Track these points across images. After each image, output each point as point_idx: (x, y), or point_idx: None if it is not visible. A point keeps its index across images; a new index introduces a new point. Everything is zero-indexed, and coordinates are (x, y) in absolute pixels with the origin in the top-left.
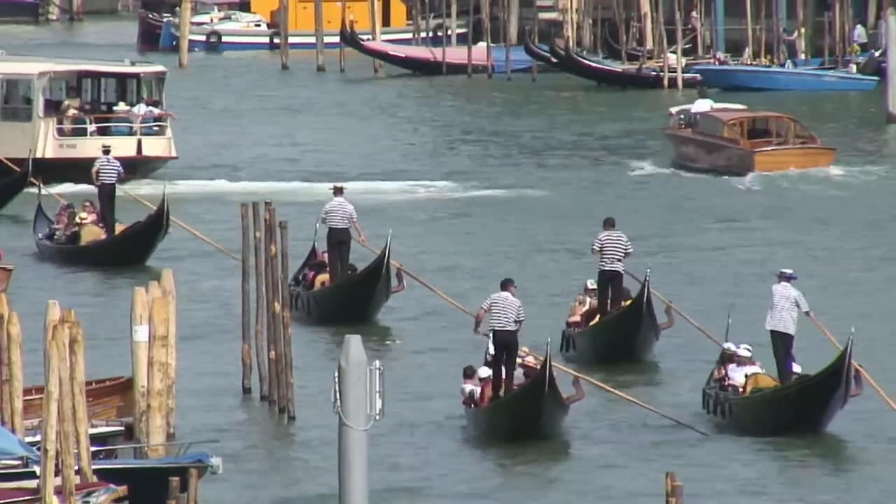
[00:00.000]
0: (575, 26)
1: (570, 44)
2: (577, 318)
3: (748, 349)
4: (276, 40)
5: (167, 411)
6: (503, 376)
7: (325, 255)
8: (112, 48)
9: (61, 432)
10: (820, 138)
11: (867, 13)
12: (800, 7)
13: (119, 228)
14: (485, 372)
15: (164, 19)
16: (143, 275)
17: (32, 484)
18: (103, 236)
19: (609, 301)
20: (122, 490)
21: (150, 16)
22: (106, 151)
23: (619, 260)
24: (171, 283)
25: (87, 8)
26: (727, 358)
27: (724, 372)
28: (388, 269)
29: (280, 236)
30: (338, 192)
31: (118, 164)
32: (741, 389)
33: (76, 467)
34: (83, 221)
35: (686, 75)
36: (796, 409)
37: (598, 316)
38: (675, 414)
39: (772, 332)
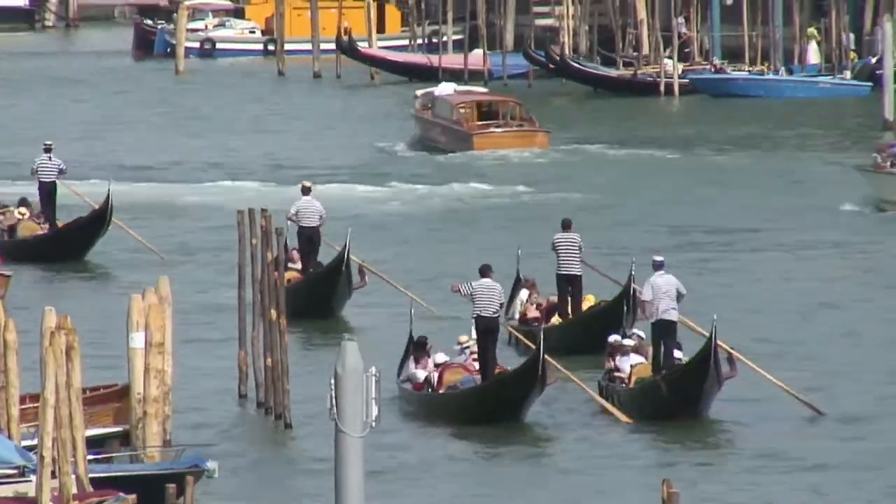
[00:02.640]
0: (571, 33)
1: (567, 50)
2: (536, 314)
3: (639, 336)
4: (270, 47)
5: (164, 418)
6: (486, 360)
7: (293, 252)
8: (107, 55)
9: (58, 439)
10: (539, 122)
11: (863, 20)
12: (796, 14)
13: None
14: (441, 358)
15: (159, 26)
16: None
17: (30, 492)
18: (40, 232)
19: (570, 303)
20: (131, 499)
21: (145, 22)
22: (47, 150)
23: (575, 262)
24: (167, 289)
25: (83, 15)
26: (615, 349)
27: (613, 363)
28: (349, 265)
29: (276, 243)
30: (306, 191)
31: (59, 161)
32: (627, 380)
33: (73, 474)
34: (22, 218)
35: (682, 81)
36: (673, 398)
37: (557, 317)
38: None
39: (655, 323)
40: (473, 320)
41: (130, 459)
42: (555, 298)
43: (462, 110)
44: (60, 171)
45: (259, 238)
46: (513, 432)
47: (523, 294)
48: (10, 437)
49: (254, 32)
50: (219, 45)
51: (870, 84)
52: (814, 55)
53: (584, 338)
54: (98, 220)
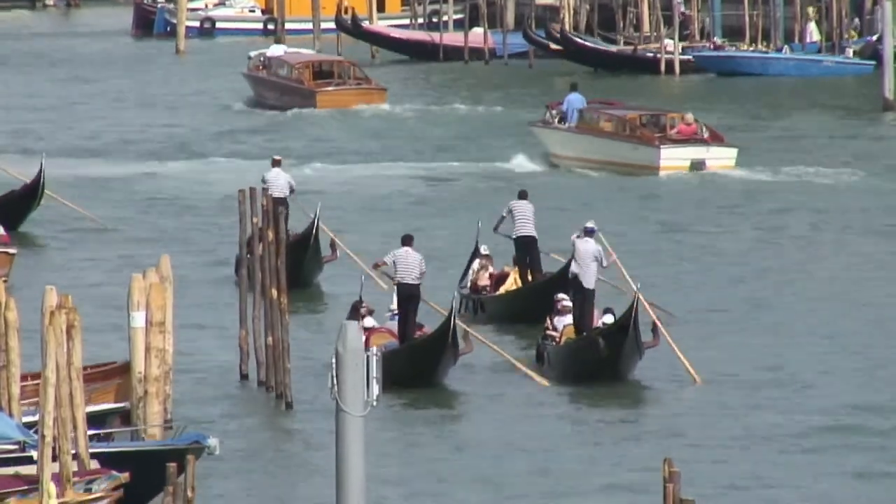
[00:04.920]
0: (571, 11)
1: (567, 27)
2: (486, 283)
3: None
4: (270, 26)
5: (164, 397)
6: (407, 326)
7: None
8: (107, 34)
9: (59, 418)
10: (374, 80)
11: None
12: None
13: None
14: (369, 322)
15: (158, 5)
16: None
17: (30, 469)
18: None
19: (528, 266)
20: (123, 477)
21: (145, 2)
22: None
23: (530, 225)
24: (168, 268)
25: None
26: (555, 305)
27: (551, 322)
28: (317, 238)
29: (278, 222)
30: (276, 163)
31: None
32: (558, 339)
33: (73, 452)
34: None
35: (682, 57)
36: (592, 360)
37: (517, 281)
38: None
39: (573, 282)
40: (395, 288)
41: (131, 437)
42: (508, 269)
43: (301, 70)
44: None
45: (260, 217)
46: (434, 396)
47: (475, 264)
48: (10, 415)
49: (254, 11)
50: (218, 25)
51: (873, 62)
52: (814, 34)
53: (532, 307)
54: (30, 194)
